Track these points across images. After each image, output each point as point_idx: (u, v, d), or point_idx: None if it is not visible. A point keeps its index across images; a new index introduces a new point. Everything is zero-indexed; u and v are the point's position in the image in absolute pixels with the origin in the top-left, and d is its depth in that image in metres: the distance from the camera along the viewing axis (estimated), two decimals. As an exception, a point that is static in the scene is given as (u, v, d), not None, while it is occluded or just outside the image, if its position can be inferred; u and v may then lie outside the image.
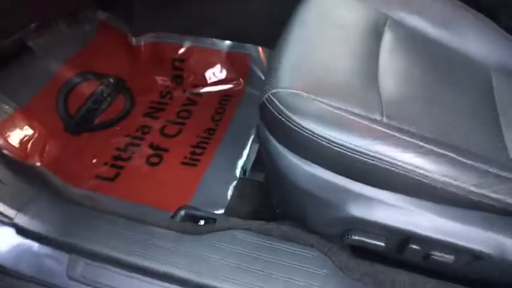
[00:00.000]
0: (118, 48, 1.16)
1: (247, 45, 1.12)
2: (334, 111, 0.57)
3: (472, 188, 0.54)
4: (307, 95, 0.59)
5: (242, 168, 0.94)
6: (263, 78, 1.07)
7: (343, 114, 0.57)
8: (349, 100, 0.60)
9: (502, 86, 0.74)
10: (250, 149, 0.98)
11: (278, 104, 0.58)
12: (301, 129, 0.55)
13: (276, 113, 0.57)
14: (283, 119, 0.57)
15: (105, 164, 0.97)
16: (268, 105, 0.59)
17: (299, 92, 0.59)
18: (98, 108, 1.08)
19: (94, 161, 0.97)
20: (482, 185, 0.55)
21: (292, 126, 0.56)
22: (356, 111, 0.59)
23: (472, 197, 0.55)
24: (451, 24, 0.82)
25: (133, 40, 1.14)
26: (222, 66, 1.13)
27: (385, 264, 0.64)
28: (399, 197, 0.58)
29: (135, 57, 1.15)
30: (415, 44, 0.78)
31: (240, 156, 0.96)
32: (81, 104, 1.07)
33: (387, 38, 0.76)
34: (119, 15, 1.15)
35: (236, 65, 1.13)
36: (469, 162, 0.55)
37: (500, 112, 0.69)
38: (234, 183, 0.91)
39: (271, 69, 0.67)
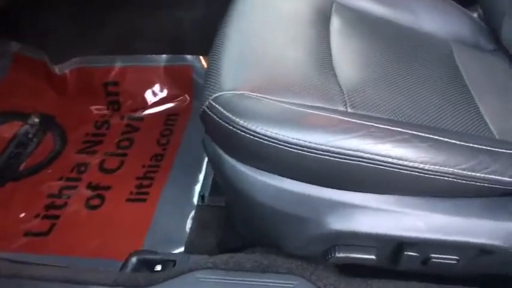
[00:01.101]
0: (39, 80, 1.04)
1: (187, 56, 1.03)
2: (289, 107, 0.47)
3: (464, 172, 0.46)
4: (254, 94, 0.49)
5: (199, 194, 0.84)
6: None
7: (301, 109, 0.47)
8: (306, 94, 0.51)
9: (464, 58, 0.70)
10: (206, 171, 0.88)
11: (221, 109, 0.47)
12: (252, 135, 0.45)
13: (220, 121, 0.47)
14: (229, 126, 0.46)
15: (36, 216, 0.82)
16: (210, 113, 0.48)
17: (245, 92, 0.49)
18: (22, 152, 0.94)
19: (22, 215, 0.83)
20: (475, 166, 0.47)
21: (242, 132, 0.45)
22: (315, 104, 0.50)
23: (466, 183, 0.47)
24: (400, 2, 0.78)
25: (56, 69, 1.02)
26: (162, 84, 1.03)
27: (381, 278, 0.55)
28: (384, 198, 0.49)
29: (61, 88, 1.04)
30: (366, 26, 0.73)
31: (195, 181, 0.86)
32: (1, 150, 0.93)
33: (336, 23, 0.70)
34: (35, 44, 1.03)
35: (178, 80, 1.03)
36: (454, 142, 0.47)
37: (469, 84, 0.64)
38: (192, 213, 0.81)
39: (209, 72, 0.56)
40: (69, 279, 0.56)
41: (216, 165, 0.55)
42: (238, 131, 0.46)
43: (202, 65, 1.03)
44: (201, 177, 0.87)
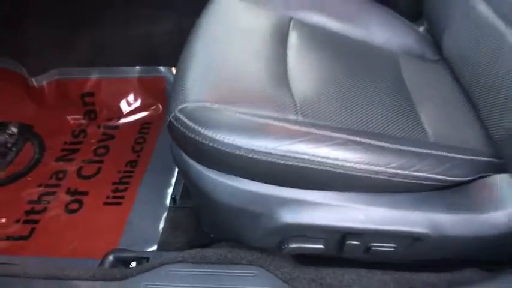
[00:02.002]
0: (18, 92, 1.08)
1: (159, 67, 1.08)
2: (247, 117, 0.54)
3: (395, 170, 0.54)
4: (217, 105, 0.56)
5: (171, 197, 0.89)
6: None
7: (256, 119, 0.54)
8: (261, 104, 0.58)
9: (409, 69, 0.78)
10: (177, 176, 0.93)
11: (186, 120, 0.53)
12: (214, 143, 0.51)
13: (185, 131, 0.53)
14: (193, 136, 0.52)
15: (17, 221, 0.87)
16: (175, 123, 0.54)
17: (207, 103, 0.56)
18: (2, 161, 0.98)
19: (3, 220, 0.87)
20: (404, 165, 0.54)
21: (204, 141, 0.52)
22: (269, 114, 0.56)
23: (397, 180, 0.54)
24: (354, 17, 0.84)
25: (34, 81, 1.06)
26: (136, 94, 1.08)
27: (332, 266, 0.62)
28: (328, 194, 0.56)
29: (39, 99, 1.08)
30: (321, 40, 0.79)
31: (168, 184, 0.91)
32: None
33: (293, 38, 0.76)
34: (13, 57, 1.06)
35: (151, 90, 1.08)
36: (386, 145, 0.55)
37: (411, 92, 0.71)
38: (165, 214, 0.86)
39: (175, 84, 0.63)
40: (52, 276, 0.60)
41: (182, 169, 0.61)
42: (201, 140, 0.52)
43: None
44: (173, 181, 0.92)
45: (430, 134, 0.62)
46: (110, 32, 1.06)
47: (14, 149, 1.00)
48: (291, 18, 0.80)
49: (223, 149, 0.52)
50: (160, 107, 1.09)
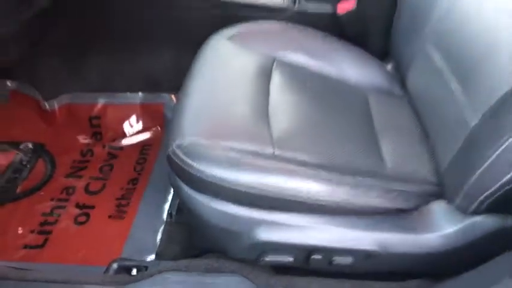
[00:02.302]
0: (32, 114, 1.19)
1: (160, 94, 1.20)
2: (231, 154, 0.66)
3: (352, 199, 0.66)
4: (207, 142, 0.68)
5: (168, 212, 1.00)
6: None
7: (238, 156, 0.66)
8: (244, 139, 0.70)
9: (377, 104, 0.88)
10: (173, 193, 1.03)
11: (182, 155, 0.66)
12: (203, 175, 0.64)
13: (180, 163, 0.66)
14: (187, 168, 0.65)
15: (32, 231, 0.97)
16: (173, 157, 0.67)
17: (200, 139, 0.68)
18: (18, 177, 1.09)
19: (20, 230, 0.97)
20: (359, 195, 0.66)
21: (196, 173, 0.64)
22: (250, 148, 0.69)
23: (353, 206, 0.67)
24: (329, 56, 0.96)
25: (47, 104, 1.18)
26: (138, 118, 1.20)
27: (303, 275, 0.73)
28: (297, 217, 0.67)
29: (51, 121, 1.19)
30: (300, 78, 0.90)
31: (165, 201, 1.02)
32: (0, 175, 1.08)
33: (275, 77, 0.87)
34: (29, 83, 1.18)
35: (151, 115, 1.20)
36: (346, 178, 0.67)
37: (376, 127, 0.82)
38: (162, 227, 0.97)
39: (174, 120, 0.75)
40: (67, 281, 0.71)
41: (177, 191, 0.73)
42: (193, 172, 0.64)
43: (173, 102, 1.20)
44: (170, 198, 1.03)
45: (387, 167, 0.73)
46: (115, 61, 1.17)
47: (28, 166, 1.11)
48: (274, 59, 0.92)
49: (210, 180, 0.64)
50: (160, 130, 1.20)
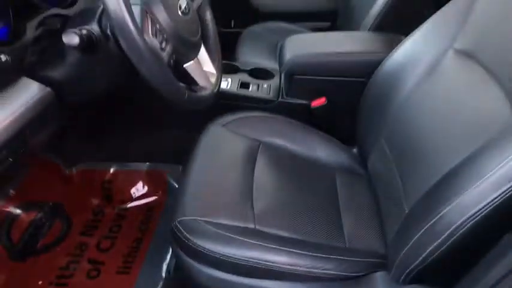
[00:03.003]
0: (53, 177, 1.35)
1: (163, 164, 1.39)
2: (220, 232, 0.84)
3: (312, 270, 0.83)
4: (202, 219, 0.87)
5: (167, 269, 1.15)
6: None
7: (226, 232, 0.84)
8: (231, 217, 0.89)
9: (342, 183, 1.08)
10: (172, 253, 1.18)
11: (183, 231, 0.85)
12: (198, 247, 0.83)
13: (182, 238, 0.84)
14: (185, 241, 0.84)
15: (50, 284, 1.12)
16: (176, 231, 0.86)
17: (196, 218, 0.87)
18: (38, 233, 1.23)
19: (40, 282, 1.12)
20: (316, 266, 0.83)
21: (195, 247, 0.83)
22: (236, 224, 0.88)
23: (314, 275, 0.83)
24: (304, 142, 1.16)
25: (66, 170, 1.36)
26: (144, 183, 1.37)
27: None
28: (279, 283, 0.84)
29: (69, 184, 1.35)
30: (281, 160, 1.10)
31: (164, 259, 1.17)
32: (22, 232, 1.22)
33: (260, 159, 1.07)
34: (51, 151, 1.36)
35: (156, 181, 1.38)
36: (309, 252, 0.84)
37: (341, 204, 1.01)
38: (161, 283, 1.12)
39: (177, 199, 0.94)
40: None
41: (176, 257, 0.91)
42: (190, 244, 0.83)
43: (174, 170, 1.38)
44: (168, 257, 1.18)
45: (346, 240, 0.91)
46: (127, 138, 1.37)
47: (47, 223, 1.27)
48: (260, 143, 1.12)
49: (204, 252, 0.82)
50: (162, 194, 1.37)
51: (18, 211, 1.26)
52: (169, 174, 1.38)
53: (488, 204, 0.59)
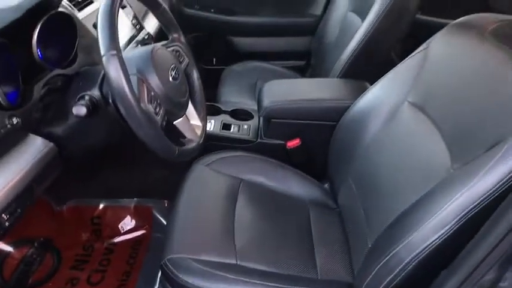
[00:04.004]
0: (44, 214, 1.41)
1: (149, 199, 1.47)
2: (205, 268, 0.93)
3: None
4: (188, 257, 0.96)
5: None
6: (165, 223, 1.43)
7: (210, 269, 0.93)
8: (215, 253, 0.99)
9: (315, 215, 1.18)
10: (159, 283, 1.26)
11: (171, 268, 0.94)
12: (188, 285, 0.92)
13: (171, 275, 0.94)
14: (173, 277, 0.93)
15: None
16: (165, 268, 0.95)
17: (183, 256, 0.97)
18: (29, 269, 1.29)
19: None
20: None
21: (183, 284, 0.92)
22: (219, 260, 0.97)
23: None
24: (281, 179, 1.27)
25: (57, 207, 1.42)
26: (132, 218, 1.44)
27: None
28: None
29: (59, 220, 1.42)
30: (260, 197, 1.20)
31: None
32: (14, 269, 1.28)
33: (241, 196, 1.18)
34: (44, 192, 1.42)
35: (143, 216, 1.45)
36: (282, 285, 0.94)
37: (314, 237, 1.11)
38: None
39: (166, 237, 1.03)
40: None
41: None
42: (178, 280, 0.92)
43: (161, 206, 1.46)
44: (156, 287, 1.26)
45: (318, 273, 1.01)
46: (116, 176, 1.44)
47: (38, 259, 1.32)
48: (241, 181, 1.23)
49: (190, 286, 0.92)
50: (149, 228, 1.45)
51: (9, 248, 1.32)
52: (156, 209, 1.46)
53: (429, 245, 0.72)
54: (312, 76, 1.95)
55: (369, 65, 1.46)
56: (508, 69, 0.80)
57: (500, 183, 0.68)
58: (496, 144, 0.73)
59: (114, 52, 0.69)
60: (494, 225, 0.63)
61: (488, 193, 0.69)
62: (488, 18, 0.98)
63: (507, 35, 0.88)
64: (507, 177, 0.67)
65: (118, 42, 0.71)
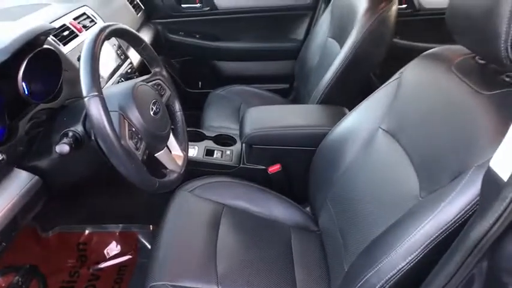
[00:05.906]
0: (29, 241, 1.42)
1: (134, 225, 1.49)
2: None
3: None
4: (170, 284, 0.99)
5: None
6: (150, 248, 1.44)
7: None
8: (196, 280, 1.01)
9: (297, 239, 1.21)
10: None
11: (156, 295, 0.97)
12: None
13: (154, 300, 0.96)
14: (158, 305, 0.95)
15: None
16: (152, 293, 0.97)
17: (165, 283, 0.99)
18: None
19: None
20: None
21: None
22: (198, 286, 1.00)
23: None
24: (263, 203, 1.30)
25: (43, 233, 1.43)
26: (117, 243, 1.47)
27: None
28: None
29: (45, 246, 1.43)
30: (242, 221, 1.23)
31: None
32: None
33: (224, 221, 1.21)
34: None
35: (128, 241, 1.48)
36: None
37: (295, 259, 1.14)
38: None
39: (149, 264, 1.06)
40: None
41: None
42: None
43: (146, 231, 1.49)
44: None
45: None
46: (101, 202, 1.46)
47: (24, 286, 1.33)
48: (223, 206, 1.26)
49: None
50: (134, 253, 1.47)
51: (-5, 276, 1.33)
52: (141, 235, 1.49)
53: (398, 271, 0.75)
54: (295, 98, 2.00)
55: (348, 90, 1.51)
56: (469, 103, 0.85)
57: (462, 212, 0.72)
58: (459, 175, 0.77)
59: (96, 93, 0.72)
60: (453, 253, 0.67)
61: (451, 222, 0.73)
62: (455, 51, 1.03)
63: (470, 69, 0.93)
64: (467, 207, 0.72)
65: (99, 84, 0.75)
